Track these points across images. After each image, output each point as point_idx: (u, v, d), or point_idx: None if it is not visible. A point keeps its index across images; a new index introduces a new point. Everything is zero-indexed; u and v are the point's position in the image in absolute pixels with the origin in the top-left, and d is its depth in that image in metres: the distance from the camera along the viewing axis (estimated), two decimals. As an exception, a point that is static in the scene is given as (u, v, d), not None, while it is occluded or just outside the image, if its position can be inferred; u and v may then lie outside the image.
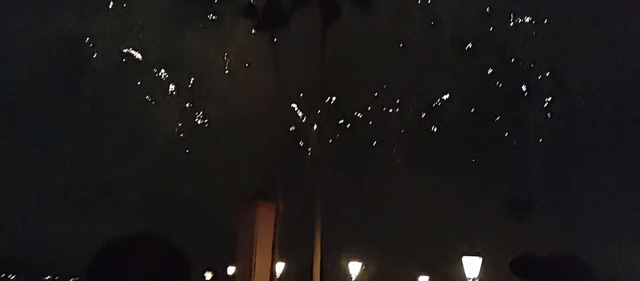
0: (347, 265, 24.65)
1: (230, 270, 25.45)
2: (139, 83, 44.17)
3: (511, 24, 44.82)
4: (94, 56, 45.51)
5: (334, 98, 20.37)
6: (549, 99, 44.49)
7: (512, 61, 44.85)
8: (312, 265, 18.90)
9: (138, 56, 45.38)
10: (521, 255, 1.60)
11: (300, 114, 19.00)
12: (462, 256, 14.59)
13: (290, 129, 17.56)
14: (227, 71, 41.21)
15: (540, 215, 35.65)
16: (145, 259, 1.05)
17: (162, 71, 44.60)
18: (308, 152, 19.11)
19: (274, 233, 15.65)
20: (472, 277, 14.11)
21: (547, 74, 45.20)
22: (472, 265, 14.16)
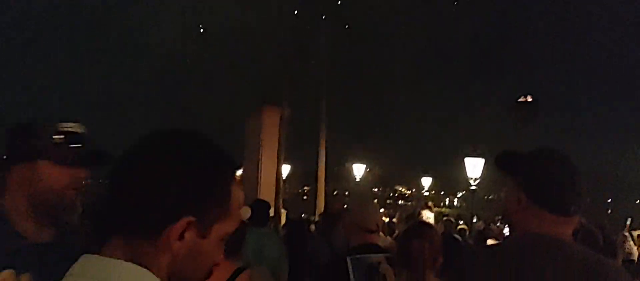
0: (351, 167, 25.31)
1: (237, 173, 26.18)
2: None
3: None
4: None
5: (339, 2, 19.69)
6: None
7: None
8: (317, 167, 19.38)
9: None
10: (504, 150, 1.65)
11: (305, 18, 18.48)
12: (464, 158, 14.85)
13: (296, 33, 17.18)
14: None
15: (544, 117, 35.85)
16: None
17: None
18: (313, 56, 18.85)
19: (280, 137, 15.87)
20: (474, 178, 14.46)
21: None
22: (475, 166, 14.45)
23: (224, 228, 0.86)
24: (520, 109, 33.35)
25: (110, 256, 0.81)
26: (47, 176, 1.36)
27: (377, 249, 2.59)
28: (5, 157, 1.41)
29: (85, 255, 0.83)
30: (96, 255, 0.82)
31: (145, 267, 0.81)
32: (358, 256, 2.51)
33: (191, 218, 0.81)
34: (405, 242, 2.29)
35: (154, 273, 0.81)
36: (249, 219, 4.13)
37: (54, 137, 1.38)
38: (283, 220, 11.85)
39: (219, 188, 0.85)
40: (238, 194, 0.89)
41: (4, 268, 1.25)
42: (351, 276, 2.44)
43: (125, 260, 0.80)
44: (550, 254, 1.44)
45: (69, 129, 1.40)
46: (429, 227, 2.37)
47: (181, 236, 0.81)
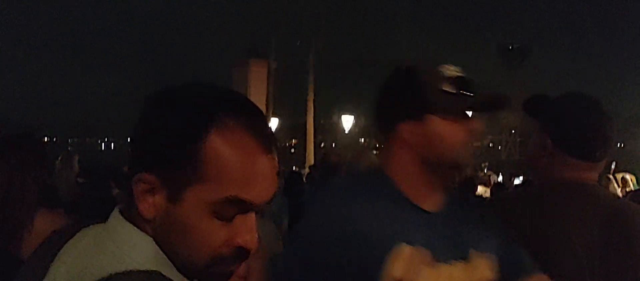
0: (340, 119, 25.37)
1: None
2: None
3: None
4: None
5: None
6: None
7: None
8: (305, 120, 19.42)
9: None
10: (533, 95, 1.60)
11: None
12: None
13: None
14: None
15: (534, 61, 35.95)
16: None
17: None
18: (301, 7, 18.50)
19: (267, 90, 15.80)
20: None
21: None
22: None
23: (207, 194, 0.69)
24: (510, 54, 33.37)
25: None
26: (439, 133, 1.16)
27: None
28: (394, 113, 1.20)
29: (116, 207, 0.77)
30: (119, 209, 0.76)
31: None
32: None
33: (150, 176, 0.69)
34: None
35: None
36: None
37: (442, 86, 1.16)
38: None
39: (185, 141, 0.69)
40: (231, 147, 0.69)
41: (400, 241, 1.11)
42: None
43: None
44: (574, 198, 1.42)
45: (457, 75, 1.19)
46: None
47: (150, 196, 0.70)
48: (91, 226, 0.77)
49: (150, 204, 0.70)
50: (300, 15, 18.50)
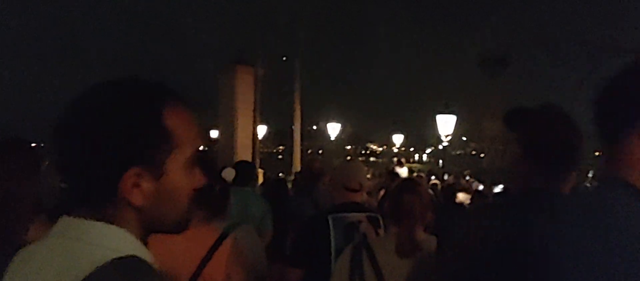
0: (326, 126, 25.47)
1: (213, 133, 26.13)
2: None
3: None
4: None
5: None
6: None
7: None
8: (292, 126, 19.46)
9: None
10: (513, 107, 1.63)
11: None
12: (436, 115, 15.15)
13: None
14: None
15: (513, 71, 36.39)
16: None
17: None
18: (286, 15, 18.62)
19: (254, 96, 15.81)
20: (446, 134, 14.84)
21: None
22: (446, 123, 14.78)
23: (182, 155, 0.85)
24: (489, 63, 33.72)
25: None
26: None
27: (359, 208, 2.64)
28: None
29: (63, 216, 0.83)
30: (74, 217, 0.82)
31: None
32: (339, 214, 2.56)
33: (136, 169, 0.80)
34: (396, 197, 2.27)
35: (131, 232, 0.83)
36: (233, 179, 4.26)
37: None
38: (260, 179, 12.03)
39: (152, 126, 0.82)
40: (182, 115, 0.86)
41: None
42: (332, 234, 2.49)
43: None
44: (547, 207, 1.41)
45: None
46: (418, 183, 2.39)
47: (137, 187, 0.81)
48: (30, 246, 0.84)
49: (138, 193, 0.82)
50: (286, 22, 18.60)
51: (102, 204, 0.82)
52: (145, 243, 0.87)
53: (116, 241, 0.81)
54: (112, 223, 0.82)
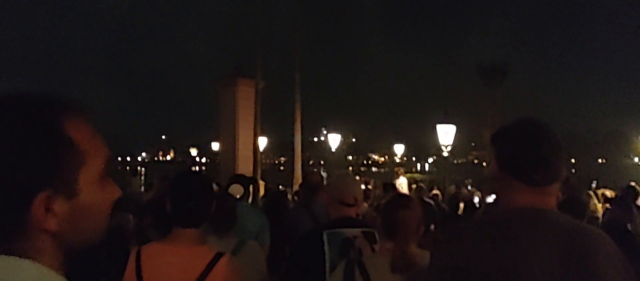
0: (327, 137, 25.49)
1: (214, 145, 26.17)
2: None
3: None
4: None
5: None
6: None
7: None
8: (293, 138, 19.49)
9: None
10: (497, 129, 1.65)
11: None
12: (436, 125, 15.15)
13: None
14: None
15: (513, 80, 36.44)
16: None
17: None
18: (286, 28, 18.75)
19: (255, 109, 15.86)
20: (446, 145, 14.83)
21: None
22: (446, 133, 14.78)
23: (93, 168, 0.78)
24: (488, 73, 33.85)
25: None
26: None
27: (355, 223, 2.63)
28: None
29: None
30: None
31: (32, 259, 0.73)
32: (334, 230, 2.54)
33: (46, 192, 0.72)
34: (390, 213, 2.26)
35: (43, 262, 0.74)
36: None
37: None
38: (262, 191, 12.03)
39: (56, 142, 0.74)
40: (85, 125, 0.78)
41: None
42: (327, 249, 2.47)
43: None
44: (530, 226, 1.41)
45: None
46: (410, 198, 2.37)
47: (50, 211, 0.73)
48: None
49: (52, 218, 0.73)
50: (286, 35, 18.69)
51: (9, 237, 0.72)
52: (65, 269, 0.78)
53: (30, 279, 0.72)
54: (24, 257, 0.72)
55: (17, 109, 0.74)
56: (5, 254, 0.72)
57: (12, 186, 0.70)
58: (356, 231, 2.57)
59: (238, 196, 4.14)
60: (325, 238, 2.52)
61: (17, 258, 0.72)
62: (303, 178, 5.29)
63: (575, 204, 4.05)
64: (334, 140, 24.07)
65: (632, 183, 9.16)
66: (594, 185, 11.72)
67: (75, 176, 0.75)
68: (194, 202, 2.07)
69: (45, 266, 0.73)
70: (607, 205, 8.62)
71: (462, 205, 8.10)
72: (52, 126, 0.74)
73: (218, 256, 2.03)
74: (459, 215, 6.81)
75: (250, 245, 2.42)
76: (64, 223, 0.74)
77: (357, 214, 2.85)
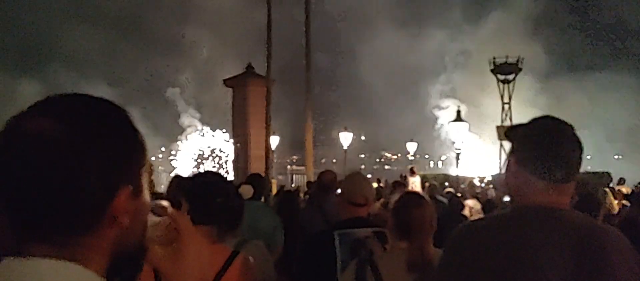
0: (338, 135, 25.47)
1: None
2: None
3: None
4: None
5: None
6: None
7: None
8: (305, 137, 19.48)
9: None
10: (513, 124, 1.69)
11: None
12: (448, 123, 15.09)
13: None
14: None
15: (526, 76, 36.09)
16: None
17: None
18: (296, 26, 18.77)
19: (267, 108, 15.91)
20: (458, 142, 14.74)
21: None
22: (458, 130, 14.70)
23: (144, 167, 0.77)
24: (502, 69, 33.52)
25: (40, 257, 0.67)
26: None
27: (366, 223, 2.61)
28: None
29: (5, 259, 0.68)
30: (19, 259, 0.68)
31: (82, 264, 0.69)
32: (345, 230, 2.53)
33: (128, 187, 0.72)
34: (404, 212, 2.24)
35: (93, 266, 0.71)
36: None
37: None
38: (274, 190, 12.07)
39: (133, 137, 0.75)
40: (136, 124, 0.79)
41: None
42: (338, 250, 2.46)
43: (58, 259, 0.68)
44: (543, 225, 1.41)
45: None
46: (422, 196, 2.37)
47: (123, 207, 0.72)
48: None
49: (125, 216, 0.72)
50: (297, 33, 18.69)
51: (74, 236, 0.69)
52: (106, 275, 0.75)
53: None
54: (78, 256, 0.69)
55: (101, 104, 0.74)
56: (58, 251, 0.68)
57: (97, 179, 0.68)
58: (367, 231, 2.55)
59: (247, 197, 4.13)
60: (336, 238, 2.51)
61: (67, 262, 0.68)
62: (318, 176, 5.27)
63: (590, 202, 4.00)
64: (346, 138, 24.04)
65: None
66: (612, 183, 11.49)
67: (140, 173, 0.75)
68: (216, 199, 2.09)
69: (94, 273, 0.71)
70: (624, 202, 8.51)
71: (469, 202, 8.01)
72: (130, 123, 0.75)
73: (234, 254, 2.04)
74: (460, 216, 6.73)
75: (252, 245, 2.41)
76: (130, 221, 0.73)
77: (369, 214, 2.84)
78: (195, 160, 28.30)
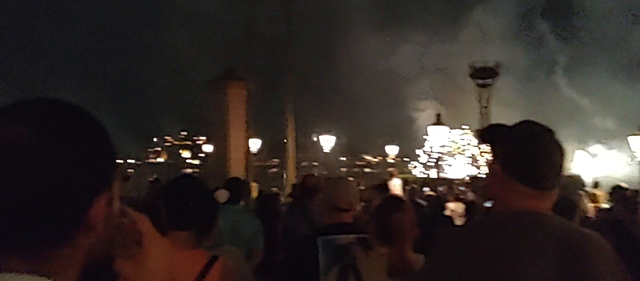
0: (319, 138, 25.47)
1: (207, 148, 26.08)
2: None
3: None
4: None
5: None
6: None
7: None
8: (286, 140, 19.45)
9: None
10: (490, 124, 1.68)
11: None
12: (428, 126, 15.22)
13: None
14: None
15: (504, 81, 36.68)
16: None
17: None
18: (276, 29, 18.71)
19: (247, 111, 15.83)
20: (439, 146, 14.88)
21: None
22: (438, 133, 14.84)
23: (117, 171, 0.75)
24: (480, 73, 33.99)
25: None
26: None
27: (349, 229, 2.58)
28: None
29: None
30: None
31: (60, 277, 0.67)
32: (328, 237, 2.49)
33: (105, 193, 0.70)
34: (384, 217, 2.25)
35: (68, 280, 0.69)
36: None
37: None
38: (255, 193, 11.98)
39: (110, 148, 0.72)
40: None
41: None
42: (320, 256, 2.43)
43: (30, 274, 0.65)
44: (526, 231, 1.40)
45: None
46: (402, 200, 2.38)
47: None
48: None
49: (101, 222, 0.70)
50: (278, 36, 18.66)
51: (52, 247, 0.66)
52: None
53: None
54: (57, 273, 0.67)
55: (75, 110, 0.71)
56: (37, 265, 0.65)
57: (80, 184, 0.66)
58: (351, 237, 2.52)
59: (222, 202, 4.10)
60: (319, 244, 2.48)
61: (46, 279, 0.66)
62: (298, 179, 5.25)
63: (565, 206, 4.06)
64: (327, 141, 24.06)
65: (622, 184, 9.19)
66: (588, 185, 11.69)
67: (112, 182, 0.73)
68: (190, 204, 2.05)
69: None
70: (599, 205, 8.69)
71: (451, 204, 8.09)
72: (103, 129, 0.72)
73: (213, 259, 2.01)
74: (444, 216, 6.79)
75: (224, 250, 2.38)
76: (103, 229, 0.71)
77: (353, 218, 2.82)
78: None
